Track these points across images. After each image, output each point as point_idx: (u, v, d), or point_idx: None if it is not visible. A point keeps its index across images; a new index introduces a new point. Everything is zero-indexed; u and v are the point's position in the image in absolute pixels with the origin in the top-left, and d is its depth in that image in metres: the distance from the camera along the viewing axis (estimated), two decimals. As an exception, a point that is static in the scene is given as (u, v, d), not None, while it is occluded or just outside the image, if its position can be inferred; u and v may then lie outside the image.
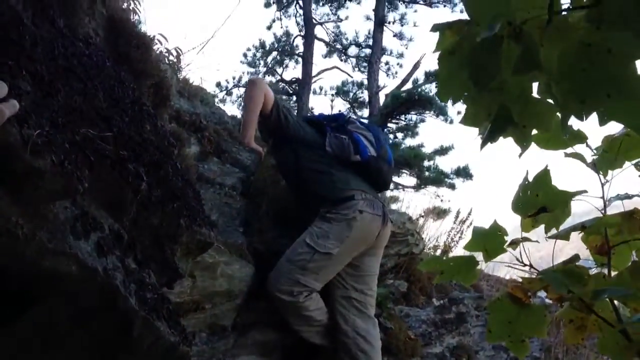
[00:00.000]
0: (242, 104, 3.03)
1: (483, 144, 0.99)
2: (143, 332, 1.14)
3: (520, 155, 1.08)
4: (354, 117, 3.09)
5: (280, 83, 13.33)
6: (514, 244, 1.36)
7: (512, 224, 1.51)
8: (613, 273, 1.32)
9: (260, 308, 2.82)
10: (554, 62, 0.83)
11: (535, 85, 1.00)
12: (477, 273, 1.40)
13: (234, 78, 14.03)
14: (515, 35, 0.81)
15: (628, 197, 1.36)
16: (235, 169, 2.76)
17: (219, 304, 2.66)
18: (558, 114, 1.00)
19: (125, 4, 1.85)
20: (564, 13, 0.83)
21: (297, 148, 2.84)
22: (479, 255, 1.41)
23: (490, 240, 1.34)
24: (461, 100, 1.11)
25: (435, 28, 1.04)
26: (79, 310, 1.03)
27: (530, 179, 1.33)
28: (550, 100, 1.00)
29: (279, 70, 14.53)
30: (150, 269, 1.24)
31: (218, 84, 13.68)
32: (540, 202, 1.32)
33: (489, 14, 0.78)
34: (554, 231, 1.36)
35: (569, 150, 1.33)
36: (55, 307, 1.02)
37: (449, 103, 1.10)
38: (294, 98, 12.36)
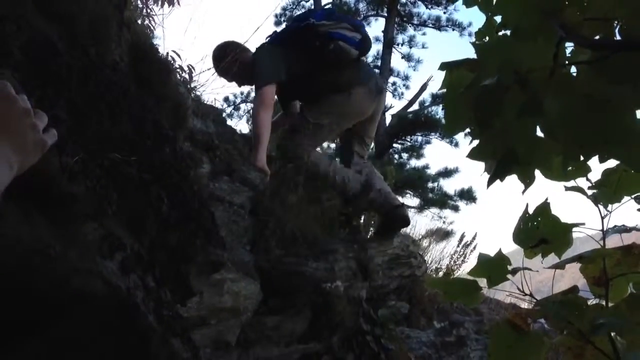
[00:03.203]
0: (252, 122, 3.22)
1: (490, 183, 1.06)
2: (159, 349, 1.19)
3: (523, 192, 1.14)
4: (313, 20, 3.46)
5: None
6: (516, 272, 1.42)
7: (512, 246, 1.57)
8: (610, 304, 1.37)
9: (264, 325, 2.87)
10: (556, 109, 0.89)
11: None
12: (479, 296, 1.46)
13: (242, 93, 14.14)
14: (521, 82, 0.87)
15: (626, 230, 1.41)
16: (245, 187, 2.83)
17: (224, 319, 2.71)
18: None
19: (147, 27, 1.94)
20: (567, 64, 0.89)
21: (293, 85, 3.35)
22: (482, 280, 1.46)
23: (494, 268, 1.40)
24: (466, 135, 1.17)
25: (443, 67, 1.11)
26: (101, 326, 1.09)
27: (531, 211, 1.39)
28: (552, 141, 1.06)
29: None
30: (167, 287, 1.30)
31: (226, 99, 13.79)
32: (541, 234, 1.37)
33: (497, 62, 0.85)
34: (553, 258, 1.42)
35: (571, 183, 1.39)
36: (78, 324, 1.07)
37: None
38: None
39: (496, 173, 1.05)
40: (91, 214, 0.98)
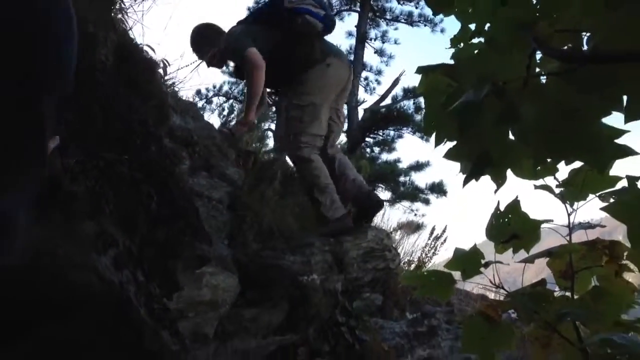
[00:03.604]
0: (247, 83, 3.37)
1: (465, 182, 1.13)
2: (151, 342, 1.24)
3: (495, 192, 1.22)
4: None
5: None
6: (488, 265, 1.51)
7: (482, 238, 1.66)
8: (575, 296, 1.46)
9: (242, 317, 2.92)
10: (530, 117, 0.97)
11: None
12: (452, 290, 1.54)
13: (214, 87, 14.05)
14: (498, 93, 0.94)
15: (590, 226, 1.50)
16: (223, 183, 2.87)
17: (203, 312, 2.75)
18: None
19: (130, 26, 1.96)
20: (540, 75, 0.97)
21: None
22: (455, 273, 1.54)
23: (468, 261, 1.48)
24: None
25: (420, 70, 1.18)
26: (96, 321, 1.13)
27: (502, 207, 1.47)
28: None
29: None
30: (155, 282, 1.35)
31: (198, 92, 13.70)
32: (512, 230, 1.46)
33: (475, 75, 0.92)
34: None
35: (540, 181, 1.47)
36: (75, 322, 1.11)
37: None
38: (274, 108, 12.44)
39: (471, 174, 1.11)
40: (89, 212, 1.02)
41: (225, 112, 12.72)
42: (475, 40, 1.11)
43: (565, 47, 0.97)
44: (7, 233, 0.68)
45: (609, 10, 0.84)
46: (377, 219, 6.79)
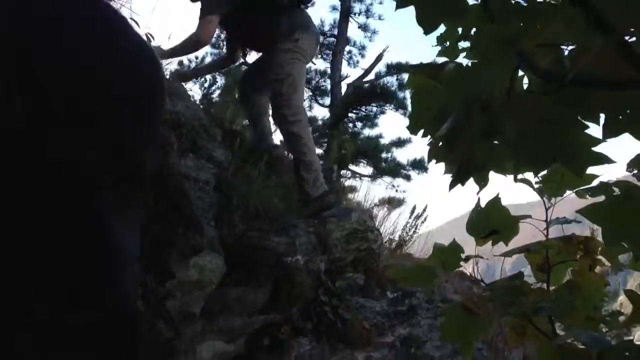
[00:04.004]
0: (182, 42, 3.42)
1: (451, 186, 1.19)
2: (146, 331, 1.30)
3: (477, 193, 1.28)
4: None
5: (243, 67, 13.32)
6: (468, 259, 1.58)
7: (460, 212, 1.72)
8: (551, 288, 1.54)
9: (228, 296, 2.99)
10: (512, 130, 1.03)
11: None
12: (436, 282, 1.62)
13: (196, 58, 13.90)
14: (483, 107, 1.00)
15: (567, 221, 1.58)
16: (210, 164, 2.90)
17: (189, 292, 2.81)
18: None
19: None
20: (524, 91, 1.02)
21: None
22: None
23: (449, 255, 1.55)
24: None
25: (408, 69, 1.23)
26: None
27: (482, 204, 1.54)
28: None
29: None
30: (151, 273, 1.40)
31: (180, 63, 13.53)
32: (491, 226, 1.53)
33: (463, 93, 0.97)
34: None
35: (520, 175, 1.54)
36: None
37: (408, 97, 1.28)
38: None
39: (456, 179, 1.18)
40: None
41: (206, 84, 12.60)
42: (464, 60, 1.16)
43: (548, 63, 1.02)
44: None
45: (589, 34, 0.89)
46: (359, 195, 6.89)
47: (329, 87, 11.63)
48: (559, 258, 1.56)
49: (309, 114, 11.25)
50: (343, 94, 11.09)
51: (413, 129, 1.28)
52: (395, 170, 10.82)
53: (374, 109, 11.09)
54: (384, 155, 10.60)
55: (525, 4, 0.97)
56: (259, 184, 3.30)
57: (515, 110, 1.03)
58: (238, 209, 3.07)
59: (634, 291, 1.33)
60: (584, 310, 1.39)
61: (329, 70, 11.65)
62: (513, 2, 0.95)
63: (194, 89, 14.13)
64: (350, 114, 11.16)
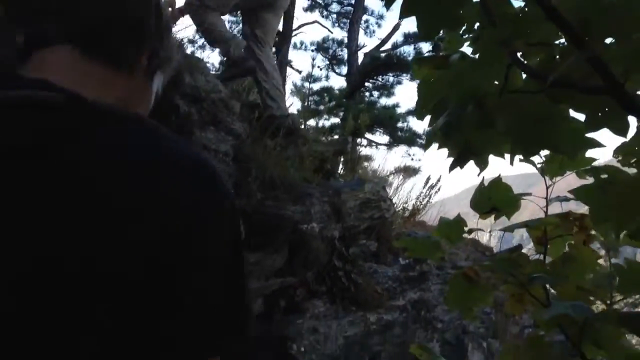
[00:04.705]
0: None
1: (451, 169, 1.30)
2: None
3: (479, 175, 1.39)
4: None
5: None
6: (471, 232, 1.71)
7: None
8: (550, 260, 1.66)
9: (246, 261, 3.15)
10: (505, 124, 1.14)
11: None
12: (442, 252, 1.75)
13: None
14: (478, 104, 1.11)
15: (566, 199, 1.69)
16: (229, 137, 3.03)
17: (209, 257, 2.96)
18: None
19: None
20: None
21: None
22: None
23: (453, 229, 1.67)
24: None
25: (415, 62, 1.33)
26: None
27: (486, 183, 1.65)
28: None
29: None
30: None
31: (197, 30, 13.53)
32: (493, 203, 1.65)
33: (459, 90, 1.08)
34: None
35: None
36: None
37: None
38: (273, 50, 12.39)
39: (456, 162, 1.29)
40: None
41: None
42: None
43: (540, 62, 1.12)
44: None
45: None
46: (375, 164, 7.00)
47: (345, 56, 11.64)
48: (557, 232, 1.67)
49: (325, 83, 11.28)
50: (360, 63, 11.09)
51: (419, 114, 1.39)
52: (411, 139, 10.89)
53: (391, 78, 11.10)
54: (400, 124, 10.65)
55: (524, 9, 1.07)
56: (275, 155, 3.43)
57: (507, 105, 1.14)
58: (256, 179, 3.21)
59: (622, 264, 1.44)
60: (576, 280, 1.52)
61: (346, 40, 11.63)
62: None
63: (212, 58, 14.14)
64: (366, 84, 11.18)
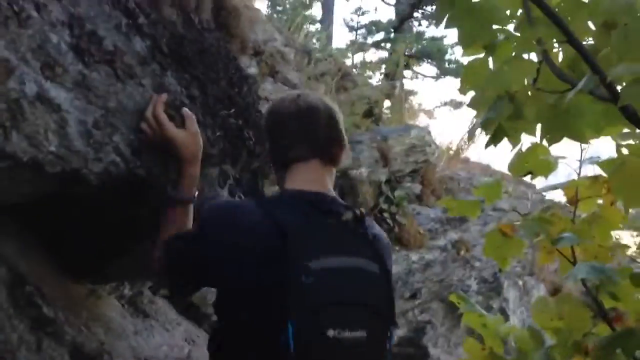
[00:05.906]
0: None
1: (486, 146, 1.49)
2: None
3: (511, 151, 1.58)
4: None
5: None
6: (507, 193, 1.91)
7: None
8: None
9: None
10: (532, 115, 1.32)
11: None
12: (479, 210, 1.95)
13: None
14: (510, 98, 1.29)
15: (597, 161, 1.86)
16: (285, 87, 3.23)
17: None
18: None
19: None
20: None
21: None
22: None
23: (491, 190, 1.87)
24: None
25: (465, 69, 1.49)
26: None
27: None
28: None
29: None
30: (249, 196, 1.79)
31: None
32: (528, 168, 1.83)
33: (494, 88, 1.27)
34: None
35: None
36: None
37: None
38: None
39: (492, 139, 1.48)
40: (217, 162, 1.43)
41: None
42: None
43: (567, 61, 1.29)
44: None
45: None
46: (419, 97, 7.07)
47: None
48: (588, 193, 1.85)
49: (374, 16, 11.07)
50: (409, -7, 10.89)
51: (463, 90, 1.56)
52: (458, 71, 10.78)
53: (440, 7, 10.83)
54: (447, 56, 10.54)
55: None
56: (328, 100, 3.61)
57: (536, 99, 1.32)
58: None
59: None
60: (601, 237, 1.71)
61: (395, -34, 11.37)
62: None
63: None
64: (415, 14, 11.01)
